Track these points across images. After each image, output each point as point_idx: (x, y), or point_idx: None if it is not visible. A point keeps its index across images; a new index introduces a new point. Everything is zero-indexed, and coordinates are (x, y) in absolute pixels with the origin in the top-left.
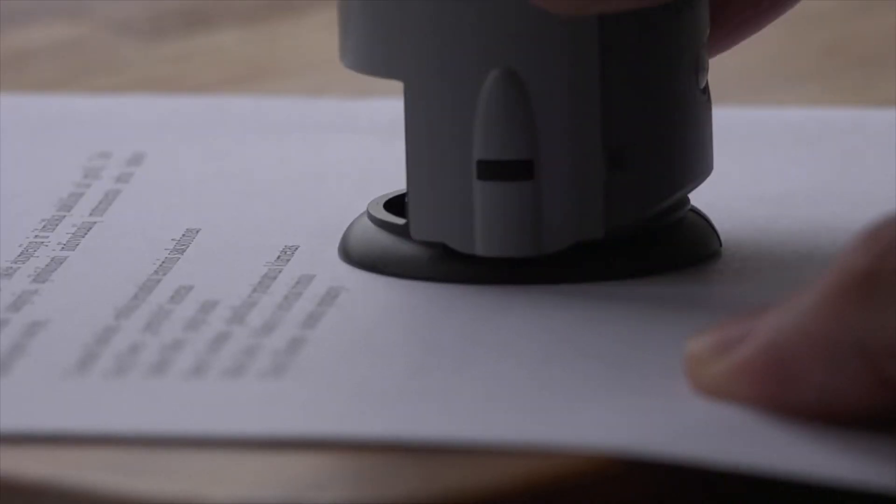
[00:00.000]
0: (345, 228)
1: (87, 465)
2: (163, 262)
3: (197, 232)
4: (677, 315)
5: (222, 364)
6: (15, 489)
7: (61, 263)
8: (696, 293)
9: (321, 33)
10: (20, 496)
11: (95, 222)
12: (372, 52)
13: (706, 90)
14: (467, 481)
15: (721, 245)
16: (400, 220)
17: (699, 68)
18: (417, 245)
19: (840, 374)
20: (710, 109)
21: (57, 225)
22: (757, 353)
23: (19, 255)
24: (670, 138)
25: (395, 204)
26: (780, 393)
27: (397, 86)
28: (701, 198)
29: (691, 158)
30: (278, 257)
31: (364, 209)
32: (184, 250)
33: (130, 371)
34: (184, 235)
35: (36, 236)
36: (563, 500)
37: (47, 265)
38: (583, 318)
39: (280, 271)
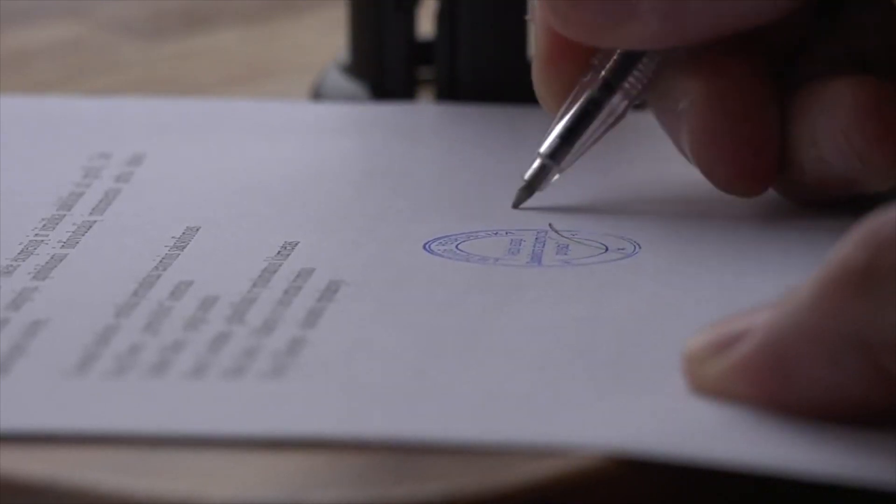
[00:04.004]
0: (345, 228)
1: (87, 465)
2: (163, 259)
3: (197, 230)
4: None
5: (222, 364)
6: (15, 489)
7: (61, 260)
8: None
9: (321, 33)
10: (20, 496)
11: (95, 221)
12: None
13: None
14: (467, 481)
15: None
16: None
17: None
18: None
19: (839, 370)
20: None
21: (57, 224)
22: (755, 351)
23: (19, 253)
24: None
25: None
26: (780, 390)
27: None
28: None
29: None
30: (278, 252)
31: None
32: (184, 247)
33: (130, 371)
34: (184, 233)
35: (36, 235)
36: (563, 500)
37: (47, 262)
38: (582, 316)
39: (280, 266)
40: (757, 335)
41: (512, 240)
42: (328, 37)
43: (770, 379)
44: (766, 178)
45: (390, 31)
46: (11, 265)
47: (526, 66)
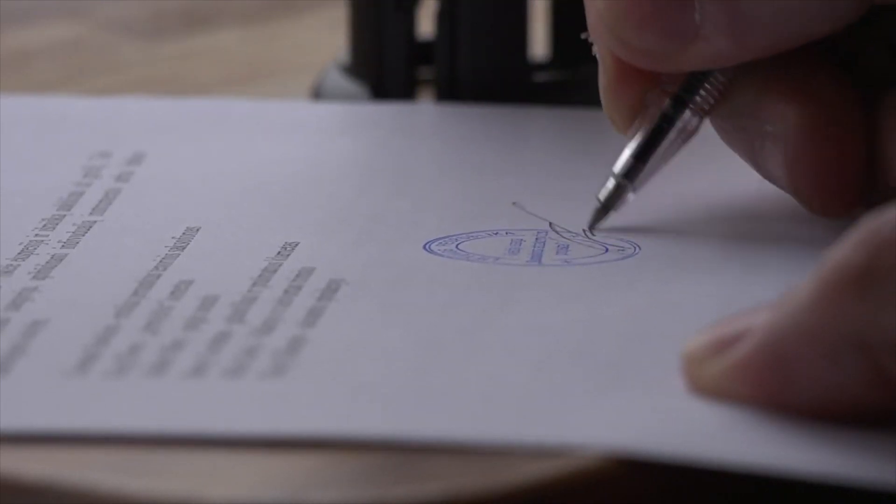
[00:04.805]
0: (345, 226)
1: (87, 465)
2: (163, 259)
3: (197, 230)
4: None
5: (222, 364)
6: (15, 489)
7: (62, 260)
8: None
9: (321, 33)
10: (20, 496)
11: (95, 221)
12: None
13: None
14: (467, 481)
15: None
16: None
17: None
18: None
19: (839, 370)
20: None
21: (57, 224)
22: (754, 352)
23: (19, 253)
24: None
25: None
26: (779, 391)
27: None
28: None
29: None
30: (278, 253)
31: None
32: (184, 247)
33: (130, 371)
34: (184, 233)
35: (36, 235)
36: (563, 500)
37: (48, 262)
38: (582, 317)
39: (280, 265)
40: (756, 335)
41: (512, 240)
42: (328, 37)
43: (770, 379)
44: (859, 198)
45: (390, 31)
46: (11, 265)
47: (526, 66)
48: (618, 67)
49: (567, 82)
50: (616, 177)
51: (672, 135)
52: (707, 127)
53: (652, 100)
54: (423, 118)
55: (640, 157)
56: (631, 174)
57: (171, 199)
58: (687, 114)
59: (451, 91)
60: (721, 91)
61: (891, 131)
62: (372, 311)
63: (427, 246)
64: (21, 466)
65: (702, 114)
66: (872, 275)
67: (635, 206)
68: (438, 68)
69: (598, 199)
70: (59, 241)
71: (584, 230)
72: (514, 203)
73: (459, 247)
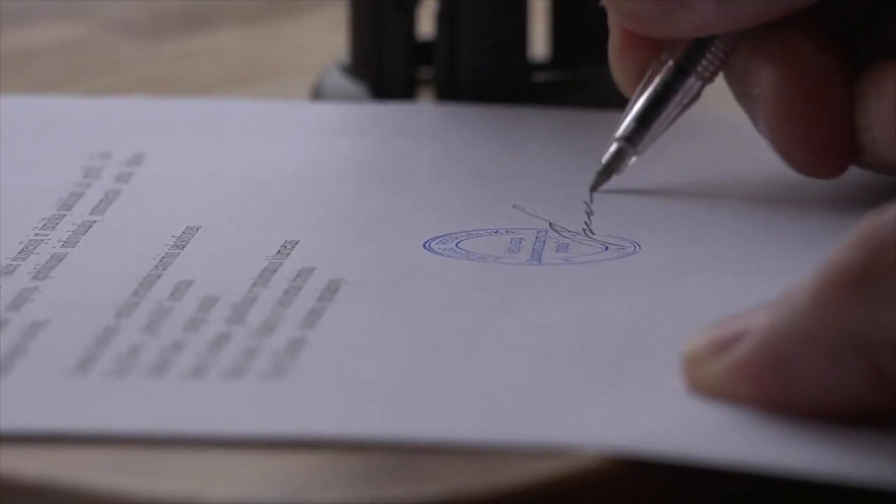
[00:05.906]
0: (345, 226)
1: (87, 465)
2: (163, 258)
3: (197, 229)
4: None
5: (223, 365)
6: (15, 489)
7: (62, 260)
8: None
9: (321, 33)
10: (20, 496)
11: (95, 221)
12: None
13: None
14: (467, 481)
15: None
16: None
17: None
18: None
19: (838, 370)
20: None
21: (57, 224)
22: (754, 352)
23: (19, 253)
24: None
25: None
26: (779, 391)
27: None
28: None
29: None
30: (278, 251)
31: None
32: (184, 246)
33: (130, 371)
34: (184, 232)
35: (36, 234)
36: (563, 500)
37: (47, 262)
38: (582, 315)
39: (280, 265)
40: (756, 335)
41: (512, 238)
42: (328, 37)
43: (769, 379)
44: (843, 158)
45: (390, 31)
46: (11, 265)
47: (526, 66)
48: (623, 34)
49: (567, 82)
50: (618, 140)
51: (674, 100)
52: (708, 122)
53: (656, 66)
54: (423, 118)
55: (642, 122)
56: (633, 138)
57: (170, 199)
58: (689, 80)
59: (451, 91)
60: (722, 59)
61: (862, 98)
62: (372, 311)
63: (427, 244)
64: (21, 466)
65: (703, 80)
66: (872, 275)
67: (635, 205)
68: (438, 68)
69: (601, 163)
70: (59, 241)
71: (583, 229)
72: (514, 206)
73: (459, 245)
